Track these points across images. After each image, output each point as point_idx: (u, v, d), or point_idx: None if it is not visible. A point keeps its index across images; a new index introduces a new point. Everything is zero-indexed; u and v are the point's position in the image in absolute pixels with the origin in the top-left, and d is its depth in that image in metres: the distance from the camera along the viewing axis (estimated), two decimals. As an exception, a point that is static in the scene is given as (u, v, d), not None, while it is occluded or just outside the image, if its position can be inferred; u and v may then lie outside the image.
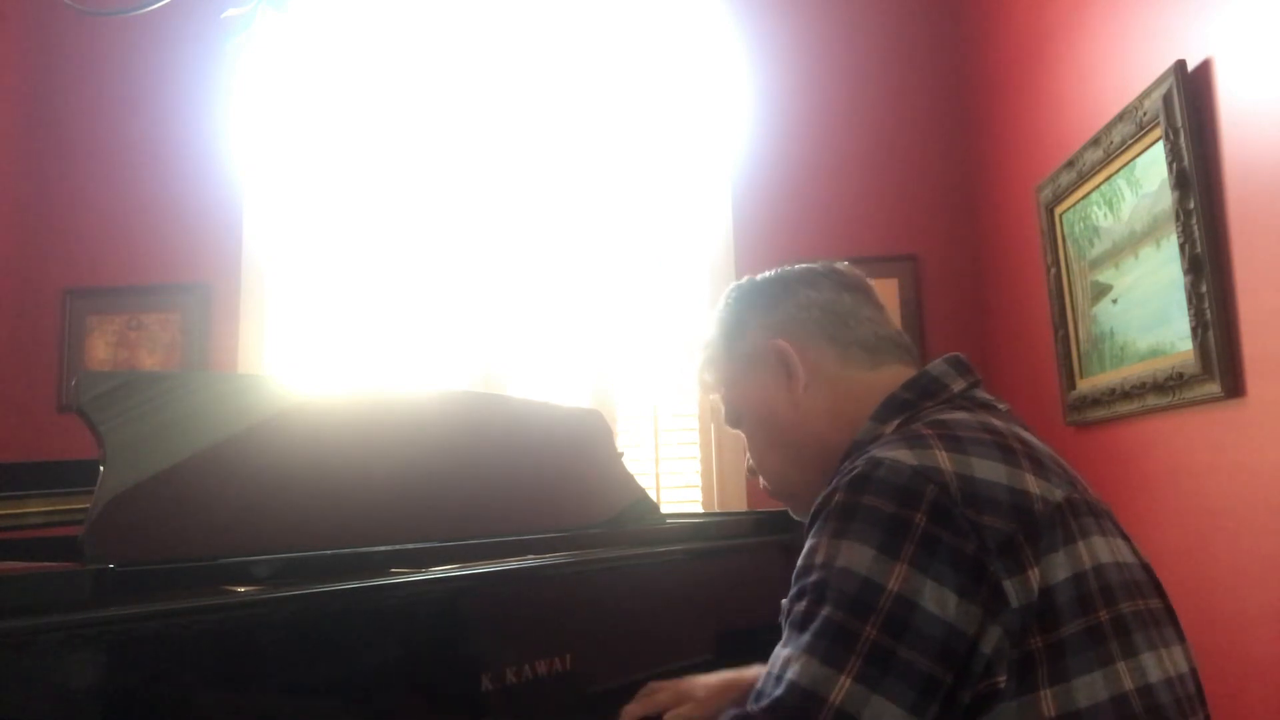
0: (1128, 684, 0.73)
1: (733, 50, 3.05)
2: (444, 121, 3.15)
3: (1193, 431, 1.82)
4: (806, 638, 0.74)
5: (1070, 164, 2.19)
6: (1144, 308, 1.95)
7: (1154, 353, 1.91)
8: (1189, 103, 1.73)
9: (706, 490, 2.91)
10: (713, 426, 2.90)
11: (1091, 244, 2.16)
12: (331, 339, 3.06)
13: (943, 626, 0.71)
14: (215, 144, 3.09)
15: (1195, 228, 1.71)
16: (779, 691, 0.73)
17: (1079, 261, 2.23)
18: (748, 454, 1.08)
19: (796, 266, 1.06)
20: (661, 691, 1.16)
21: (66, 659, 0.73)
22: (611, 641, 1.23)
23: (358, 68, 3.17)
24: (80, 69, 3.15)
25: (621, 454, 1.66)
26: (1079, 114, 2.21)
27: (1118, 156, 1.99)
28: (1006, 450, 0.80)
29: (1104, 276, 2.11)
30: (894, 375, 0.96)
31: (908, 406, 0.91)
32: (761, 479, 1.06)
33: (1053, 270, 2.34)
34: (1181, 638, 0.82)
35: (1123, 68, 2.00)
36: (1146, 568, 0.84)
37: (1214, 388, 1.69)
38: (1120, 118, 1.95)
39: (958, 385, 0.93)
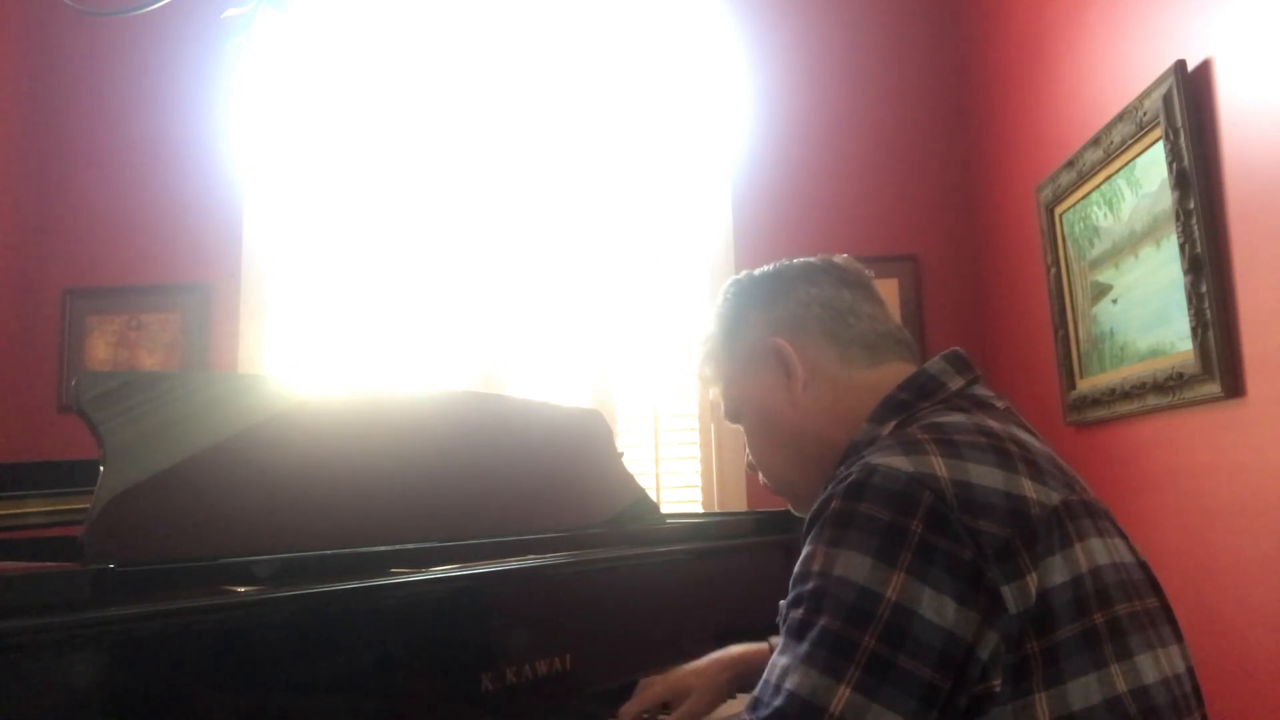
0: (1121, 686, 0.73)
1: (733, 50, 3.05)
2: (444, 122, 3.15)
3: (1193, 431, 1.82)
4: (805, 647, 0.73)
5: (1070, 164, 2.20)
6: (1144, 308, 1.95)
7: (1154, 353, 1.91)
8: (1189, 103, 1.73)
9: (706, 490, 2.91)
10: (713, 426, 2.90)
11: (1091, 244, 2.16)
12: (331, 339, 3.06)
13: (941, 634, 0.71)
14: (215, 144, 3.09)
15: (1195, 228, 1.71)
16: (778, 701, 0.73)
17: (1079, 261, 2.23)
18: (747, 449, 1.07)
19: (795, 261, 1.05)
20: (656, 685, 1.16)
21: (66, 659, 0.72)
22: (611, 641, 1.23)
23: (357, 68, 3.17)
24: (80, 69, 3.15)
25: (621, 454, 1.66)
26: (1079, 114, 2.21)
27: (1118, 156, 1.99)
28: (1002, 454, 0.79)
29: (1104, 276, 2.11)
30: (893, 373, 0.96)
31: (904, 407, 0.91)
32: (761, 475, 1.06)
33: (1053, 270, 2.34)
34: (1179, 637, 0.81)
35: (1122, 68, 2.00)
36: (1144, 567, 0.84)
37: (1214, 388, 1.69)
38: (1120, 118, 1.95)
39: (955, 383, 0.92)
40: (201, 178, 3.06)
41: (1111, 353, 2.10)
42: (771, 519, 1.63)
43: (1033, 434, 0.88)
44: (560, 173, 3.13)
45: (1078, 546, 0.76)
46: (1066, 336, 2.30)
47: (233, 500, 1.02)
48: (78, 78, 3.14)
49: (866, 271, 1.06)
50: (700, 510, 2.85)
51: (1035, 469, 0.80)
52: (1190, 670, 0.81)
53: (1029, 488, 0.77)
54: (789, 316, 1.00)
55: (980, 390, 0.93)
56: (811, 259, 1.06)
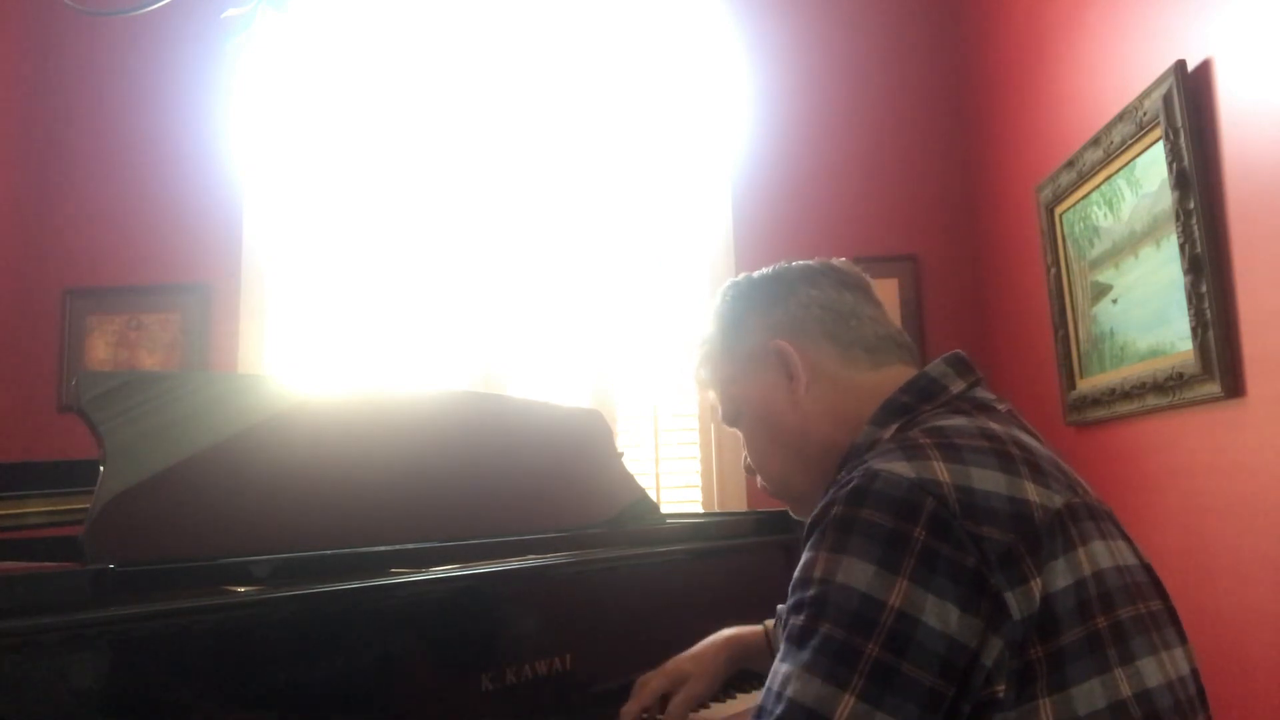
0: (1125, 691, 0.72)
1: (733, 50, 3.05)
2: (444, 122, 3.15)
3: (1193, 431, 1.82)
4: (807, 654, 0.73)
5: (1070, 164, 2.20)
6: (1144, 308, 1.95)
7: (1154, 353, 1.91)
8: (1189, 103, 1.73)
9: (706, 490, 2.91)
10: (713, 426, 2.90)
11: (1091, 244, 2.16)
12: (331, 339, 3.06)
13: (945, 641, 0.71)
14: (215, 144, 3.09)
15: (1195, 228, 1.71)
16: (781, 710, 0.72)
17: (1079, 261, 2.23)
18: (745, 451, 1.07)
19: (795, 263, 1.05)
20: (653, 679, 1.16)
21: (66, 659, 0.73)
22: (611, 641, 1.23)
23: (357, 68, 3.17)
24: (80, 69, 3.15)
25: (621, 454, 1.66)
26: (1079, 114, 2.21)
27: (1118, 156, 1.99)
28: (1005, 458, 0.79)
29: (1104, 276, 2.11)
30: (895, 375, 0.95)
31: (906, 410, 0.90)
32: (760, 478, 1.06)
33: (1053, 270, 2.34)
34: (1183, 639, 0.81)
35: (1123, 68, 2.00)
36: (1148, 569, 0.84)
37: (1214, 388, 1.69)
38: (1120, 118, 1.95)
39: (957, 386, 0.92)
40: (201, 178, 3.06)
41: (1111, 353, 2.10)
42: (771, 519, 1.63)
43: (1035, 436, 0.88)
44: (560, 173, 3.13)
45: (1081, 550, 0.76)
46: (1066, 336, 2.30)
47: (233, 500, 1.02)
48: (78, 78, 3.14)
49: (865, 275, 1.06)
50: (700, 510, 2.85)
51: (1038, 472, 0.79)
52: (1195, 672, 0.80)
53: (1032, 491, 0.77)
54: (790, 318, 1.00)
55: (982, 393, 0.93)
56: (810, 262, 1.05)
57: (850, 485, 0.78)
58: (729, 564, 1.50)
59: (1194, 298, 1.72)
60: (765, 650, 1.24)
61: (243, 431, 1.08)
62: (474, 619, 1.05)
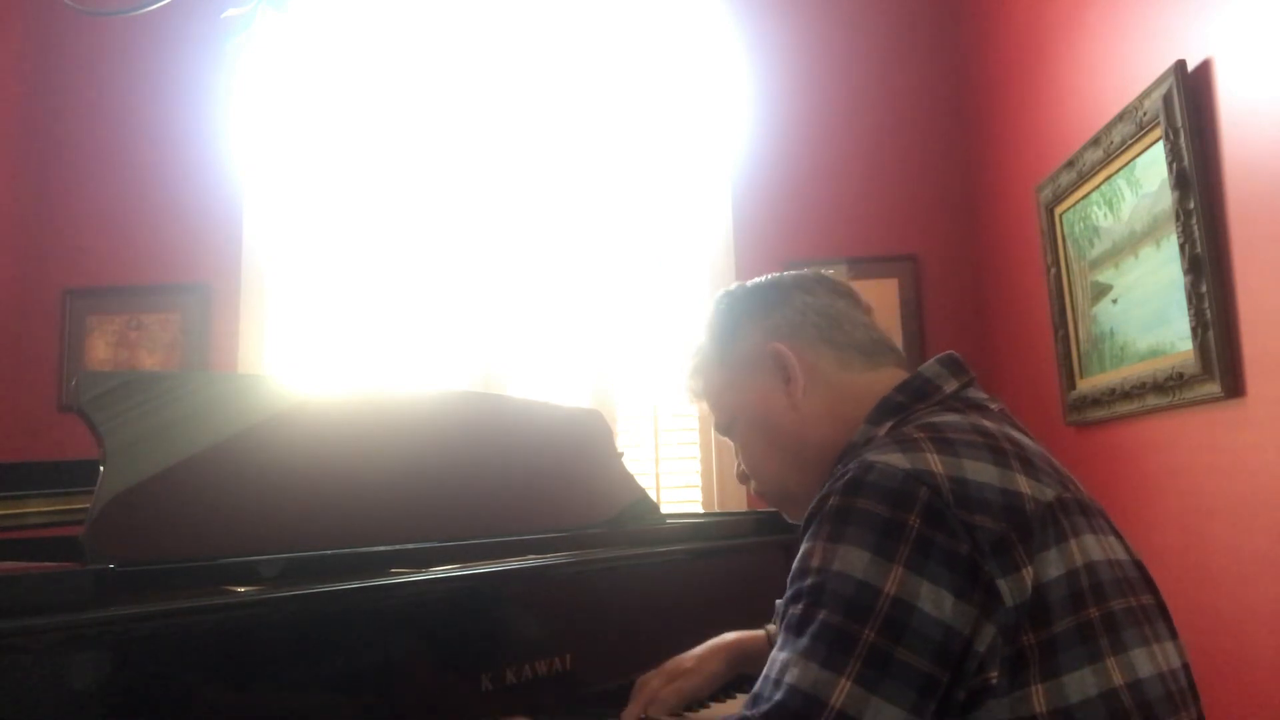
0: (1118, 679, 0.74)
1: (733, 50, 3.05)
2: (444, 122, 3.15)
3: (1193, 431, 1.82)
4: (805, 641, 0.74)
5: (1070, 164, 2.20)
6: (1144, 308, 1.95)
7: (1154, 353, 1.91)
8: (1189, 103, 1.73)
9: (706, 490, 2.91)
10: (712, 427, 2.90)
11: (1091, 244, 2.16)
12: (331, 339, 3.06)
13: (940, 627, 0.72)
14: (215, 144, 3.09)
15: (1195, 228, 1.71)
16: (779, 695, 0.73)
17: (1079, 261, 2.23)
18: (738, 459, 1.08)
19: (786, 273, 1.08)
20: (653, 679, 1.16)
21: (67, 659, 0.73)
22: (611, 641, 1.23)
23: (358, 68, 3.17)
24: (80, 69, 3.15)
25: (621, 454, 1.66)
26: (1079, 114, 2.21)
27: (1118, 156, 1.99)
28: (997, 451, 0.81)
29: (1104, 276, 2.11)
30: (888, 377, 0.98)
31: (900, 409, 0.92)
32: (755, 483, 1.07)
33: (1053, 270, 2.34)
34: (1173, 633, 0.82)
35: (1123, 68, 2.00)
36: (1139, 565, 0.85)
37: (1214, 388, 1.69)
38: (1120, 118, 1.95)
39: (950, 386, 0.94)
40: (201, 178, 3.06)
41: (1111, 353, 2.10)
42: (771, 519, 1.63)
43: (1026, 435, 0.90)
44: (560, 173, 3.13)
45: (1073, 542, 0.77)
46: (1066, 336, 2.30)
47: (233, 500, 1.02)
48: (78, 78, 3.14)
49: (853, 286, 1.09)
50: (700, 510, 2.85)
51: (1030, 466, 0.81)
52: (1186, 666, 0.82)
53: (1024, 483, 0.79)
54: (786, 323, 1.02)
55: (974, 393, 0.95)
56: (801, 271, 1.09)
57: (846, 477, 0.80)
58: (729, 564, 1.50)
59: (1194, 298, 1.72)
60: (766, 654, 1.24)
61: (243, 431, 1.08)
62: (474, 619, 1.05)
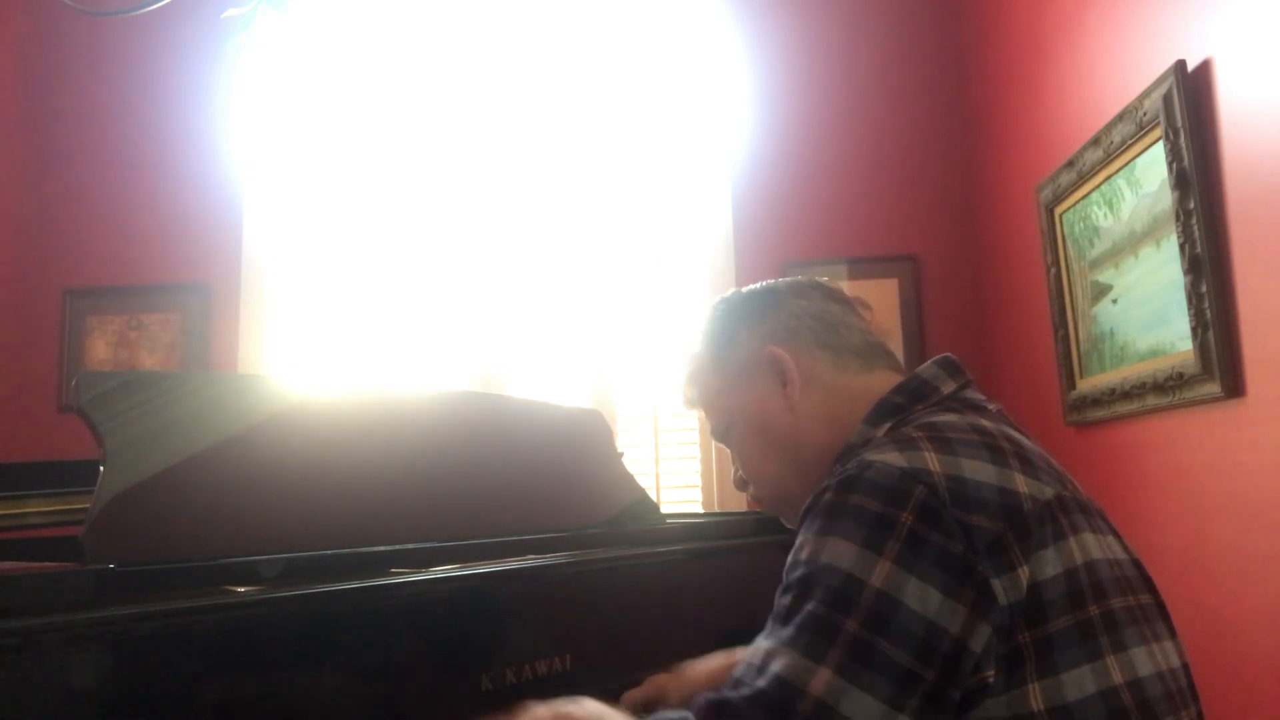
0: (1117, 678, 0.74)
1: (733, 50, 3.05)
2: (444, 122, 3.15)
3: (1193, 431, 1.82)
4: (789, 630, 0.75)
5: (1070, 164, 2.20)
6: (1144, 308, 1.95)
7: (1154, 353, 1.91)
8: (1189, 103, 1.73)
9: (706, 490, 2.91)
10: (710, 434, 2.90)
11: (1091, 244, 2.16)
12: (331, 339, 3.06)
13: (923, 623, 0.72)
14: (215, 144, 3.09)
15: (1195, 228, 1.71)
16: (761, 682, 0.74)
17: (1079, 261, 2.23)
18: (736, 466, 1.09)
19: (781, 280, 1.09)
20: (660, 679, 1.16)
21: (66, 659, 0.72)
22: (611, 641, 1.23)
23: (358, 68, 3.17)
24: (80, 69, 3.15)
25: (621, 454, 1.66)
26: (1079, 114, 2.21)
27: (1118, 156, 1.99)
28: (995, 450, 0.81)
29: (1104, 276, 2.11)
30: (885, 379, 0.99)
31: (899, 410, 0.93)
32: (753, 488, 1.08)
33: (1053, 270, 2.34)
34: (1173, 633, 0.83)
35: (1123, 68, 2.00)
36: (1138, 564, 0.85)
37: (1214, 388, 1.69)
38: (1120, 118, 1.95)
39: (948, 387, 0.94)
40: (201, 178, 3.06)
41: (1111, 353, 2.10)
42: (771, 519, 1.62)
43: (1024, 435, 0.90)
44: (560, 173, 3.13)
45: (1071, 540, 0.78)
46: (1066, 336, 2.30)
47: (233, 500, 1.02)
48: (78, 78, 3.14)
49: (846, 292, 1.11)
50: (700, 510, 2.84)
51: (1028, 465, 0.81)
52: (1185, 666, 0.82)
53: (1022, 482, 0.79)
54: (782, 327, 1.03)
55: (972, 394, 0.95)
56: (796, 278, 1.10)
57: (843, 475, 0.81)
58: (729, 564, 1.50)
59: (1194, 298, 1.72)
60: None
61: (243, 431, 1.08)
62: (474, 619, 1.05)
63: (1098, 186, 2.10)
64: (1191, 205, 1.71)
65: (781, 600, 0.78)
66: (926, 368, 0.96)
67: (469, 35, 3.17)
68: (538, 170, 3.14)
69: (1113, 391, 2.07)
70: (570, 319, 3.06)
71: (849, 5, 3.04)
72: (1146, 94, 1.84)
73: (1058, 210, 2.31)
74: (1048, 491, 0.79)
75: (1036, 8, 2.44)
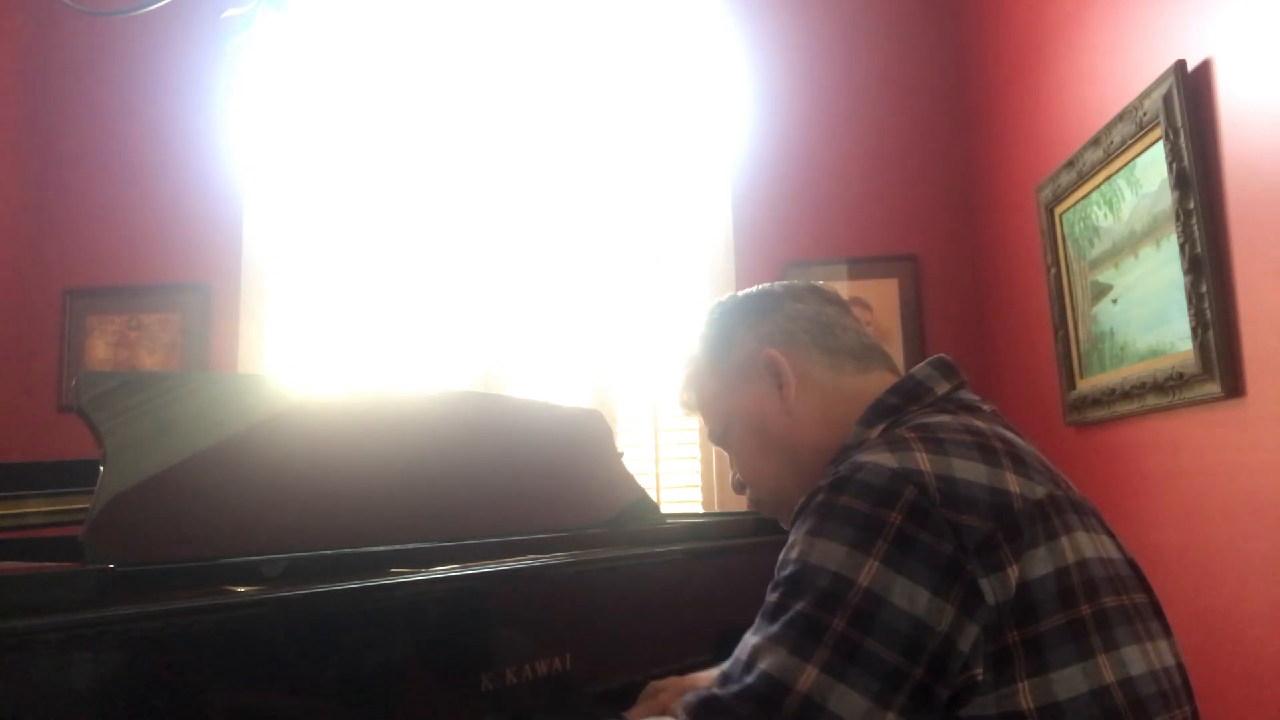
0: (1109, 676, 0.74)
1: (733, 50, 3.05)
2: (444, 122, 3.15)
3: (1193, 431, 1.82)
4: (776, 628, 0.76)
5: (1070, 164, 2.20)
6: (1144, 308, 1.95)
7: (1154, 353, 1.91)
8: (1189, 103, 1.73)
9: (706, 490, 2.91)
10: (707, 437, 2.90)
11: (1091, 244, 2.16)
12: (331, 339, 3.06)
13: (910, 621, 0.73)
14: (215, 144, 3.09)
15: (1195, 228, 1.71)
16: (749, 679, 0.75)
17: (1079, 261, 2.23)
18: (733, 468, 1.10)
19: (777, 283, 1.11)
20: (663, 692, 1.16)
21: (67, 659, 0.72)
22: (611, 641, 1.23)
23: (358, 68, 3.17)
24: (80, 69, 3.15)
25: (621, 454, 1.66)
26: (1079, 114, 2.21)
27: (1118, 156, 1.99)
28: (987, 450, 0.82)
29: (1104, 276, 2.11)
30: (880, 380, 0.99)
31: (893, 411, 0.93)
32: (750, 490, 1.08)
33: (1053, 270, 2.34)
34: (1168, 632, 0.83)
35: (1123, 68, 2.00)
36: (1132, 563, 0.86)
37: (1214, 388, 1.69)
38: (1120, 118, 1.95)
39: (942, 388, 0.95)
40: (201, 178, 3.07)
41: (1111, 353, 2.10)
42: (771, 520, 1.63)
43: (1018, 435, 0.90)
44: (560, 173, 3.13)
45: (1064, 539, 0.78)
46: (1066, 336, 2.30)
47: (233, 500, 1.02)
48: (78, 78, 3.14)
49: (840, 295, 1.12)
50: (700, 510, 2.85)
51: (1020, 464, 0.82)
52: (1180, 665, 0.82)
53: (1013, 482, 0.79)
54: (779, 330, 1.04)
55: (966, 395, 0.96)
56: (791, 281, 1.11)
57: (835, 475, 0.81)
58: (729, 564, 1.50)
59: (1194, 298, 1.72)
60: None
61: (243, 431, 1.08)
62: (474, 619, 1.05)
63: (1098, 186, 2.10)
64: (1191, 205, 1.71)
65: (770, 597, 0.79)
66: (921, 369, 0.97)
67: (469, 35, 3.17)
68: (538, 170, 3.14)
69: (1113, 391, 2.07)
70: (570, 319, 3.06)
71: (849, 5, 3.04)
72: (1146, 94, 1.84)
73: (1058, 210, 2.31)
74: (1040, 491, 0.80)
75: (1036, 8, 2.44)
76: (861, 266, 2.88)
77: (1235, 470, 1.68)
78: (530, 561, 1.15)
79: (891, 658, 0.72)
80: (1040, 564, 0.75)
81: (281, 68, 3.17)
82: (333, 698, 0.91)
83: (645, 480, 2.68)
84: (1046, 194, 2.34)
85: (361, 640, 0.93)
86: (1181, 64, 1.75)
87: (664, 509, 1.91)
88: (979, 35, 2.84)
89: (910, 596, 0.73)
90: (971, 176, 2.92)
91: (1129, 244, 1.99)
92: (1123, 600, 0.79)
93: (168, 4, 1.88)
